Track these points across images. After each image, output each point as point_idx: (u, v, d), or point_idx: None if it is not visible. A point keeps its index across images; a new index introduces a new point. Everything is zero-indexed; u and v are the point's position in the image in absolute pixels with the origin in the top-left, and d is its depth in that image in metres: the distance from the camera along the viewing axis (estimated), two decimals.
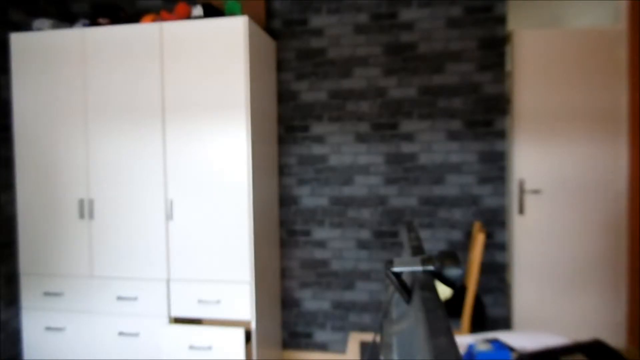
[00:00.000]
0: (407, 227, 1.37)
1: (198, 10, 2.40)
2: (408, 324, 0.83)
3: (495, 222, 2.68)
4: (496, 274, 2.70)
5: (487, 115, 2.67)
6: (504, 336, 1.58)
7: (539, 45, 2.87)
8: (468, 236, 2.71)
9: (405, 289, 0.91)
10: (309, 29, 2.84)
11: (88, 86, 2.45)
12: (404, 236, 1.97)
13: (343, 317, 2.86)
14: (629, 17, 2.82)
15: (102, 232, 2.46)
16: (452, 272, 0.84)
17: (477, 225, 2.47)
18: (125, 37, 2.40)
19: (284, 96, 2.88)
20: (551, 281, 2.90)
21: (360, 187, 2.81)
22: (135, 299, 2.43)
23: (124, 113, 2.42)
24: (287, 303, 2.92)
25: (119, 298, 2.45)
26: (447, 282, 0.85)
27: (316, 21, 2.83)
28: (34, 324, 2.54)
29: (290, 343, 2.92)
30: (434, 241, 2.75)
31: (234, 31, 2.30)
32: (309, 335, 2.90)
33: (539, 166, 2.89)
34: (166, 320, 2.40)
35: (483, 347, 1.38)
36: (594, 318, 2.87)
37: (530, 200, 2.90)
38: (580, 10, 3.45)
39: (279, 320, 2.85)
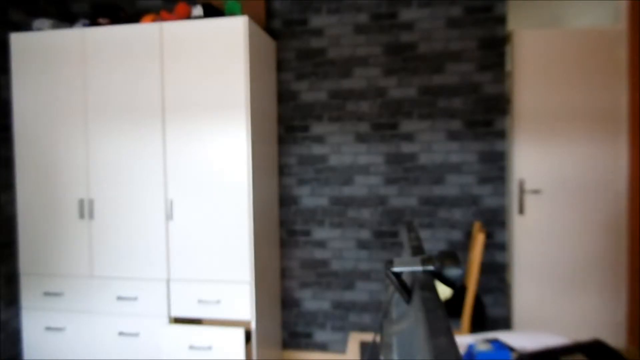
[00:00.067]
0: (407, 227, 1.37)
1: (198, 10, 2.40)
2: (408, 324, 0.83)
3: (495, 222, 2.68)
4: (496, 274, 2.70)
5: (487, 115, 2.67)
6: (504, 336, 1.58)
7: (539, 45, 2.87)
8: (468, 236, 2.71)
9: (405, 289, 0.91)
10: (309, 29, 2.84)
11: (88, 86, 2.45)
12: (404, 236, 1.97)
13: (343, 317, 2.86)
14: (629, 17, 2.82)
15: (102, 232, 2.46)
16: (452, 272, 0.84)
17: (477, 225, 2.47)
18: (125, 37, 2.40)
19: (284, 96, 2.88)
20: (551, 281, 2.90)
21: (360, 187, 2.81)
22: (135, 299, 2.43)
23: (124, 113, 2.42)
24: (287, 303, 2.92)
25: (119, 298, 2.45)
26: (447, 282, 0.85)
27: (316, 21, 2.83)
28: (34, 324, 2.54)
29: (290, 343, 2.92)
30: (434, 241, 2.75)
31: (234, 31, 2.30)
32: (309, 335, 2.90)
33: (539, 166, 2.89)
34: (166, 320, 2.40)
35: (483, 347, 1.38)
36: (594, 318, 2.87)
37: (530, 200, 2.91)
38: (580, 10, 3.45)
39: (279, 320, 2.85)
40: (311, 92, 2.85)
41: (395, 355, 1.00)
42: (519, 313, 2.92)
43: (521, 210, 2.91)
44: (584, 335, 2.89)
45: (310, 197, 2.87)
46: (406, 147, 2.76)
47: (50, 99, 2.48)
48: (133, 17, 3.00)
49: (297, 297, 2.90)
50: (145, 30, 2.39)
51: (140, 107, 2.40)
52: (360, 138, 2.81)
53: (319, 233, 2.87)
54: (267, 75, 2.67)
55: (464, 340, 1.56)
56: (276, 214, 2.83)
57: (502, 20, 2.64)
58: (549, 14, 3.54)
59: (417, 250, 1.09)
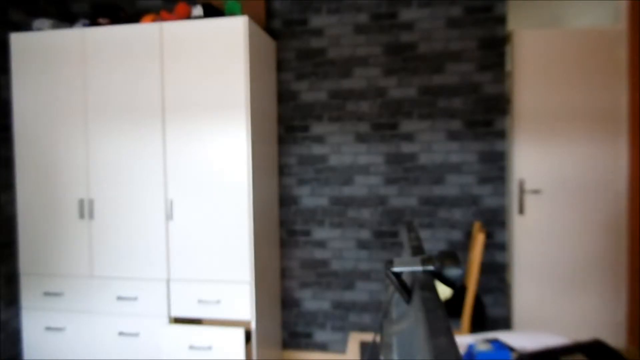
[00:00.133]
0: (407, 227, 1.37)
1: (198, 10, 2.40)
2: (408, 324, 0.83)
3: (495, 222, 2.68)
4: (496, 274, 2.70)
5: (487, 115, 2.67)
6: (504, 336, 1.58)
7: (539, 45, 2.87)
8: (468, 236, 2.71)
9: (405, 289, 0.91)
10: (309, 29, 2.84)
11: (88, 86, 2.45)
12: (404, 236, 1.97)
13: (343, 317, 2.86)
14: (629, 17, 2.82)
15: (102, 232, 2.46)
16: (452, 272, 0.84)
17: (477, 225, 2.47)
18: (125, 37, 2.40)
19: (284, 96, 2.88)
20: (551, 281, 2.90)
21: (360, 187, 2.81)
22: (135, 299, 2.43)
23: (124, 113, 2.42)
24: (287, 303, 2.92)
25: (119, 298, 2.45)
26: (447, 282, 0.85)
27: (316, 21, 2.83)
28: (34, 324, 2.54)
29: (290, 343, 2.92)
30: (434, 241, 2.75)
31: (234, 31, 2.30)
32: (309, 335, 2.90)
33: (539, 166, 2.89)
34: (166, 320, 2.40)
35: (483, 347, 1.38)
36: (594, 318, 2.87)
37: (530, 200, 2.90)
38: (580, 10, 3.45)
39: (279, 320, 2.85)
40: (311, 92, 2.85)
41: (395, 355, 1.00)
42: (519, 313, 2.92)
43: (521, 210, 2.91)
44: (584, 335, 2.89)
45: (310, 197, 2.87)
46: (406, 147, 2.76)
47: (50, 99, 2.48)
48: (133, 17, 3.00)
49: (297, 297, 2.90)
50: (145, 30, 2.39)
51: (140, 107, 2.40)
52: (360, 138, 2.81)
53: (319, 233, 2.87)
54: (267, 75, 2.67)
55: (464, 340, 1.56)
56: (276, 214, 2.83)
57: (502, 20, 2.64)
58: (549, 14, 3.54)
59: (417, 250, 1.09)
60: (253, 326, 2.36)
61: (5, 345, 2.47)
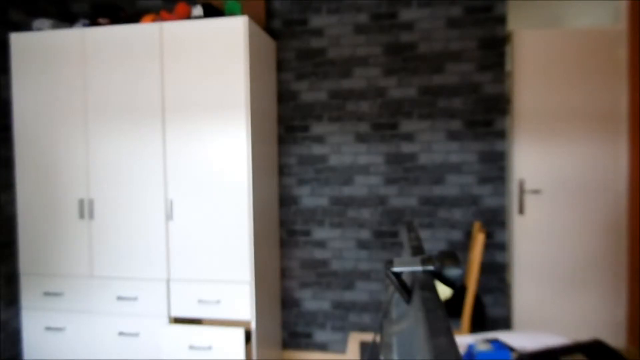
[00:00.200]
0: (407, 227, 1.37)
1: (198, 10, 2.40)
2: (408, 324, 0.83)
3: (495, 222, 2.68)
4: (496, 274, 2.70)
5: (487, 115, 2.67)
6: (504, 336, 1.58)
7: (539, 45, 2.87)
8: (468, 236, 2.71)
9: (405, 289, 0.91)
10: (309, 29, 2.84)
11: (88, 86, 2.45)
12: (404, 236, 1.97)
13: (343, 317, 2.86)
14: (629, 17, 2.82)
15: (102, 232, 2.46)
16: (452, 272, 0.84)
17: (477, 225, 2.47)
18: (125, 37, 2.40)
19: (284, 96, 2.88)
20: (551, 281, 2.90)
21: (360, 187, 2.81)
22: (135, 299, 2.43)
23: (124, 113, 2.42)
24: (287, 303, 2.92)
25: (119, 298, 2.45)
26: (447, 282, 0.85)
27: (316, 21, 2.83)
28: (34, 324, 2.54)
29: (290, 343, 2.92)
30: (434, 241, 2.75)
31: (234, 31, 2.30)
32: (309, 335, 2.90)
33: (539, 166, 2.89)
34: (166, 320, 2.40)
35: (483, 347, 1.38)
36: (594, 318, 2.87)
37: (530, 200, 2.90)
38: (580, 10, 3.45)
39: (279, 320, 2.85)
40: (311, 92, 2.85)
41: (395, 355, 1.00)
42: (519, 313, 2.92)
43: (521, 210, 2.91)
44: (584, 335, 2.89)
45: (310, 197, 2.87)
46: (406, 147, 2.76)
47: (50, 99, 2.48)
48: (133, 17, 3.00)
49: (297, 297, 2.90)
50: (145, 30, 2.39)
51: (140, 107, 2.40)
52: (360, 138, 2.81)
53: (319, 233, 2.87)
54: (267, 75, 2.67)
55: (464, 340, 1.56)
56: (276, 214, 2.83)
57: (502, 20, 2.64)
58: (549, 14, 3.54)
59: (417, 250, 1.09)
60: (253, 326, 2.36)
61: (5, 345, 2.47)
